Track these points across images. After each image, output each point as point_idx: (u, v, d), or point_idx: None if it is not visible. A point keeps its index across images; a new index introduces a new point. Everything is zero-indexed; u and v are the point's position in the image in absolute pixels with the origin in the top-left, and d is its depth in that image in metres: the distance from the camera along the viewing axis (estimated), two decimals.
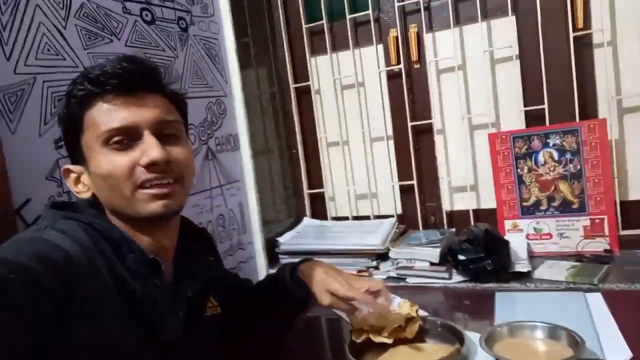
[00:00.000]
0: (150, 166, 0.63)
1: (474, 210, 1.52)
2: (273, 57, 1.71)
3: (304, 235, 1.56)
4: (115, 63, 0.64)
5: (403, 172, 1.61)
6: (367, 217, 1.66)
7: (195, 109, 1.28)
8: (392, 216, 1.60)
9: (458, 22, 1.49)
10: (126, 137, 0.64)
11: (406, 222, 1.60)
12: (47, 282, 0.51)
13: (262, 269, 1.49)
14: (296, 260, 0.91)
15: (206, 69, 1.35)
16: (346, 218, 1.69)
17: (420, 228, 1.57)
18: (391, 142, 1.62)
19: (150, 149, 0.63)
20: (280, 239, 1.52)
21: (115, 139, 0.63)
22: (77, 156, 0.67)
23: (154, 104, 0.66)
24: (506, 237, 1.30)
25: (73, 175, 0.69)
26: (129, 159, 0.63)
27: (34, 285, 0.49)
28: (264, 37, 1.69)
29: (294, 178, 1.74)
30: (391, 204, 1.64)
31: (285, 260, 1.48)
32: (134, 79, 0.65)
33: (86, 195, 0.68)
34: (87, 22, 0.99)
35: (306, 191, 1.73)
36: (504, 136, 1.41)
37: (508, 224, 1.42)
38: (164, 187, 0.64)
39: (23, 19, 0.86)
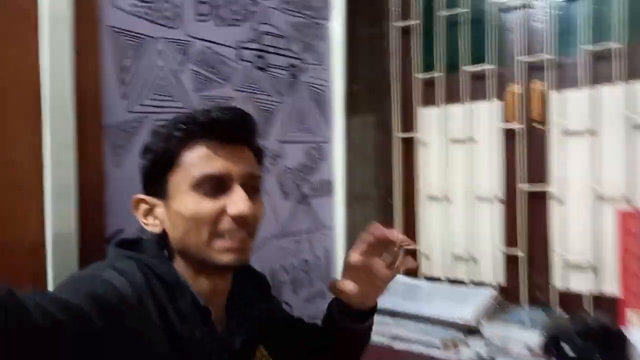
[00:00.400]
0: (237, 218, 0.64)
1: (592, 294, 1.30)
2: (382, 105, 1.69)
3: (390, 292, 1.46)
4: (222, 112, 0.66)
5: (510, 238, 1.45)
6: (463, 282, 1.52)
7: (293, 153, 1.30)
8: (492, 286, 1.44)
9: (593, 81, 1.33)
10: (217, 185, 0.65)
11: (507, 295, 1.43)
12: (96, 321, 0.52)
13: None
14: (376, 318, 0.86)
15: (310, 115, 1.37)
16: (440, 279, 1.56)
17: (523, 304, 1.39)
18: (499, 205, 1.47)
19: (240, 201, 0.64)
20: None
21: (207, 184, 0.64)
22: (159, 190, 0.67)
23: (246, 157, 0.68)
24: (628, 333, 1.08)
25: (145, 207, 0.69)
26: (217, 206, 0.64)
27: (81, 325, 0.50)
28: (375, 84, 1.69)
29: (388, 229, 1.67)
30: (492, 271, 1.48)
31: None
32: (237, 130, 0.67)
33: (156, 229, 0.68)
34: (202, 67, 1.07)
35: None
36: (638, 215, 1.20)
37: (633, 317, 1.19)
38: (239, 241, 0.65)
39: (143, 63, 0.96)
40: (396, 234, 0.76)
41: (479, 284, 1.48)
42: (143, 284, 0.62)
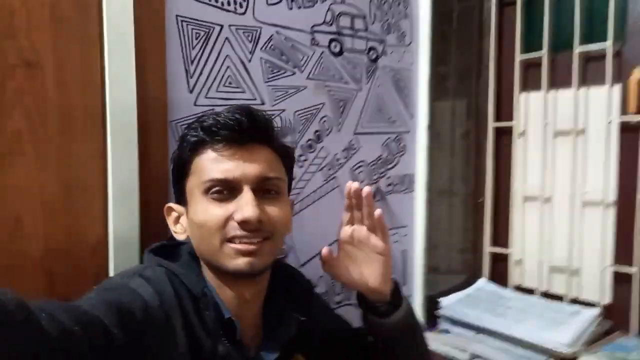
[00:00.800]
0: (242, 223, 0.62)
1: None
2: (473, 90, 1.51)
3: (474, 301, 1.33)
4: (230, 114, 0.64)
5: (623, 253, 1.23)
6: (560, 298, 1.33)
7: (370, 146, 1.20)
8: (596, 306, 1.24)
9: None
10: (226, 189, 0.63)
11: (615, 319, 1.22)
12: (116, 334, 0.51)
13: None
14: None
15: (390, 103, 1.25)
16: (533, 291, 1.38)
17: (633, 332, 1.18)
18: (611, 212, 1.25)
19: (245, 206, 0.62)
20: (444, 300, 1.33)
21: (215, 189, 0.63)
22: (181, 197, 0.68)
23: (259, 158, 0.65)
24: None
25: (174, 214, 0.70)
26: (224, 211, 0.62)
27: (97, 337, 0.49)
28: (467, 66, 1.51)
29: (475, 230, 1.51)
30: (598, 289, 1.27)
31: (445, 326, 1.29)
32: (245, 131, 0.64)
33: (182, 237, 0.69)
34: (273, 55, 0.99)
35: (487, 248, 1.48)
36: None
37: None
38: (251, 245, 0.63)
39: (211, 53, 0.90)
40: (365, 189, 0.76)
41: (579, 302, 1.28)
42: (171, 294, 0.61)
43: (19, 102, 0.68)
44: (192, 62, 0.88)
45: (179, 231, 0.69)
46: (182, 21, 0.86)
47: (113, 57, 0.76)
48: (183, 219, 0.68)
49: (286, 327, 0.70)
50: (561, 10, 1.34)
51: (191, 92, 0.88)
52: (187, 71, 0.87)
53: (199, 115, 0.69)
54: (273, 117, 0.99)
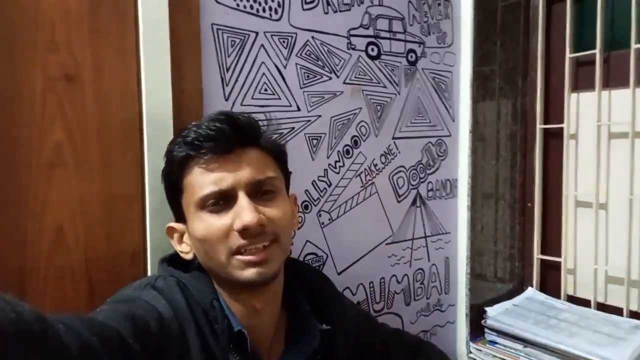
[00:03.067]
0: (243, 230, 0.60)
1: None
2: (521, 90, 1.44)
3: (522, 312, 1.26)
4: (211, 123, 0.63)
5: None
6: (618, 311, 1.24)
7: (409, 151, 1.16)
8: None
9: None
10: (221, 200, 0.62)
11: None
12: (132, 345, 0.51)
13: (461, 339, 1.28)
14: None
15: (430, 106, 1.21)
16: (588, 303, 1.30)
17: None
18: None
19: (242, 213, 0.60)
20: (490, 310, 1.27)
21: (210, 202, 0.62)
22: (179, 215, 0.67)
23: (249, 162, 0.63)
24: None
25: (177, 235, 0.68)
26: (224, 222, 0.61)
27: (115, 349, 0.49)
28: (512, 66, 1.44)
29: (523, 237, 1.44)
30: None
31: (491, 337, 1.23)
32: (229, 139, 0.62)
33: (188, 256, 0.67)
34: (308, 60, 0.98)
35: (536, 256, 1.40)
36: None
37: None
38: (258, 253, 0.62)
39: (246, 60, 0.90)
40: None
41: (639, 316, 1.19)
42: (184, 305, 0.60)
43: (59, 114, 0.69)
44: (228, 70, 0.88)
45: (185, 250, 0.68)
46: (217, 29, 0.86)
47: (149, 68, 0.76)
48: (186, 237, 0.67)
49: (309, 338, 0.68)
50: (615, 6, 1.26)
51: (227, 100, 0.88)
52: (222, 79, 0.87)
53: (181, 129, 0.67)
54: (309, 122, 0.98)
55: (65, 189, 0.70)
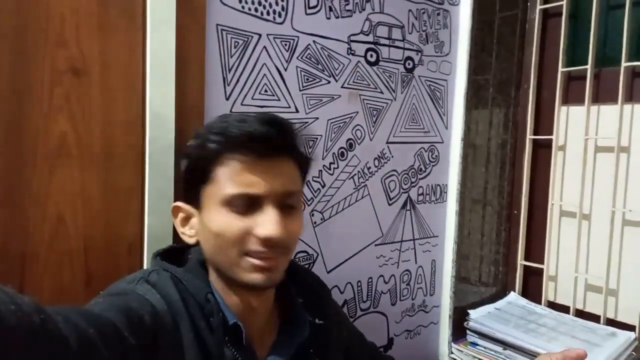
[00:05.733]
0: (265, 240, 0.61)
1: None
2: (513, 101, 1.48)
3: (503, 315, 1.30)
4: (258, 124, 0.61)
5: None
6: (596, 318, 1.28)
7: (402, 155, 1.20)
8: (633, 329, 1.19)
9: None
10: (249, 203, 0.61)
11: None
12: (129, 337, 0.52)
13: (444, 339, 1.32)
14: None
15: (425, 113, 1.24)
16: (567, 309, 1.34)
17: None
18: None
19: (269, 224, 0.60)
20: (473, 312, 1.31)
21: (237, 202, 0.61)
22: (194, 200, 0.65)
23: (284, 172, 0.63)
24: None
25: (182, 215, 0.67)
26: (244, 225, 0.61)
27: (113, 341, 0.49)
28: (506, 77, 1.48)
29: (508, 243, 1.48)
30: (635, 312, 1.22)
31: (473, 339, 1.27)
32: (274, 144, 0.62)
33: (191, 240, 0.67)
34: (308, 64, 1.01)
35: (520, 261, 1.45)
36: None
37: None
38: (268, 260, 0.62)
39: (248, 61, 0.92)
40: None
41: (615, 323, 1.24)
42: (177, 299, 0.61)
43: (65, 107, 0.71)
44: (230, 70, 0.90)
45: (188, 234, 0.67)
46: (222, 30, 0.88)
47: (154, 65, 0.79)
48: (194, 222, 0.66)
49: (299, 329, 0.70)
50: (608, 24, 1.30)
51: (227, 99, 0.90)
52: (224, 79, 0.89)
53: (221, 116, 0.66)
54: (306, 124, 1.01)
55: (67, 179, 0.72)
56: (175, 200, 0.81)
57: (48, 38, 0.69)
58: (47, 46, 0.69)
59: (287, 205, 0.64)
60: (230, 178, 0.61)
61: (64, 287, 0.73)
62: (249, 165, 0.61)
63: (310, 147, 1.01)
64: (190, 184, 0.65)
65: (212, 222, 0.62)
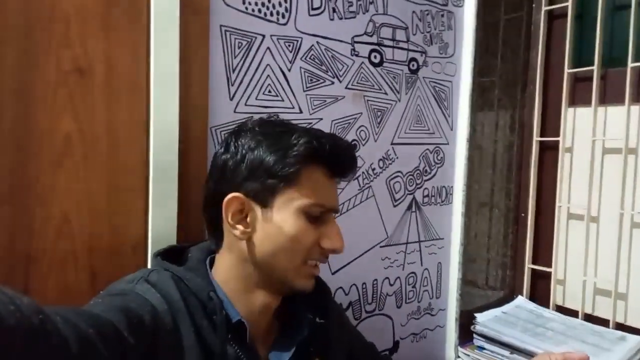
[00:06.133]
0: (331, 251, 0.67)
1: None
2: (519, 102, 1.47)
3: (511, 319, 1.29)
4: (347, 148, 0.69)
5: None
6: (605, 322, 1.26)
7: (407, 157, 1.19)
8: None
9: None
10: (319, 215, 0.66)
11: None
12: (129, 337, 0.52)
13: (450, 343, 1.30)
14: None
15: (430, 114, 1.23)
16: (576, 313, 1.32)
17: None
18: None
19: (336, 237, 0.67)
20: (480, 316, 1.29)
21: (315, 212, 0.65)
22: (262, 196, 0.64)
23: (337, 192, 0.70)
24: None
25: (238, 208, 0.65)
26: (316, 235, 0.66)
27: (112, 341, 0.50)
28: (512, 78, 1.47)
29: (515, 246, 1.47)
30: None
31: (480, 342, 1.26)
32: (350, 166, 0.69)
33: (242, 236, 0.65)
34: (312, 65, 1.01)
35: (528, 265, 1.43)
36: None
37: None
38: (318, 270, 0.69)
39: (252, 62, 0.93)
40: None
41: (625, 328, 1.22)
42: (178, 298, 0.61)
43: (70, 107, 0.72)
44: (234, 70, 0.90)
45: (239, 228, 0.65)
46: (225, 31, 0.89)
47: (158, 65, 0.79)
48: (254, 218, 0.64)
49: (299, 327, 0.70)
50: (614, 24, 1.29)
51: (231, 99, 0.90)
52: (228, 79, 0.90)
53: (311, 127, 0.73)
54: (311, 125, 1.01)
55: (72, 179, 0.73)
56: (179, 199, 0.82)
57: (53, 38, 0.70)
58: (52, 46, 0.70)
59: None
60: (315, 187, 0.65)
61: (69, 287, 0.73)
62: (329, 179, 0.67)
63: None
64: (261, 179, 0.63)
65: (289, 225, 0.64)
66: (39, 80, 0.69)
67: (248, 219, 0.65)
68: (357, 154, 1.07)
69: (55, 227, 0.72)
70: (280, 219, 0.63)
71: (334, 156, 0.66)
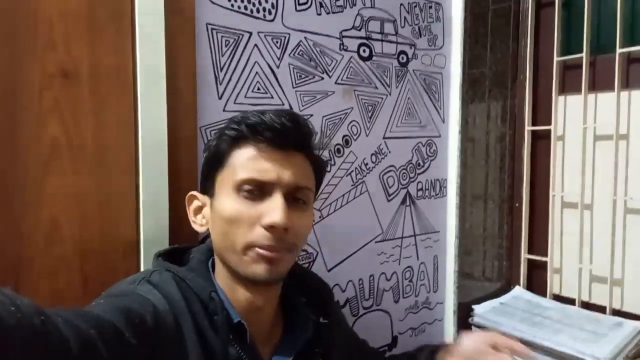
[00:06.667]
0: (269, 228, 0.61)
1: None
2: (510, 92, 1.47)
3: (509, 310, 1.29)
4: (276, 117, 0.63)
5: None
6: (601, 309, 1.27)
7: (400, 150, 1.19)
8: (639, 318, 1.18)
9: None
10: (258, 190, 0.63)
11: None
12: (130, 338, 0.51)
13: (449, 336, 1.30)
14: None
15: (421, 107, 1.23)
16: (573, 301, 1.33)
17: None
18: None
19: (274, 210, 0.61)
20: (477, 308, 1.29)
21: (248, 187, 0.63)
22: (208, 188, 0.67)
23: (296, 165, 0.65)
24: None
25: (197, 203, 0.69)
26: (253, 212, 0.62)
27: (113, 342, 0.49)
28: (502, 68, 1.47)
29: (511, 237, 1.47)
30: None
31: None
32: (288, 136, 0.64)
33: (201, 229, 0.68)
34: (301, 60, 1.00)
35: (524, 255, 1.43)
36: None
37: None
38: (274, 252, 0.62)
39: (240, 59, 0.92)
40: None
41: (622, 314, 1.22)
42: (179, 298, 0.60)
43: (56, 110, 0.71)
44: (222, 69, 0.89)
45: (199, 222, 0.69)
46: (212, 29, 0.88)
47: (145, 65, 0.78)
48: (206, 211, 0.68)
49: (302, 329, 0.70)
50: (601, 11, 1.29)
51: (220, 98, 0.90)
52: (216, 78, 0.89)
53: (243, 112, 0.68)
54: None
55: (61, 183, 0.72)
56: (170, 201, 0.81)
57: (37, 41, 0.69)
58: (36, 49, 0.69)
59: (296, 199, 0.65)
60: (243, 163, 0.63)
61: (60, 292, 0.72)
62: (263, 152, 0.63)
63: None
64: (207, 171, 0.67)
65: (223, 206, 0.63)
66: (24, 84, 0.68)
67: (204, 213, 0.68)
68: (348, 148, 1.08)
69: (44, 232, 0.71)
70: (219, 203, 0.64)
71: (263, 128, 0.62)
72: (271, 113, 0.64)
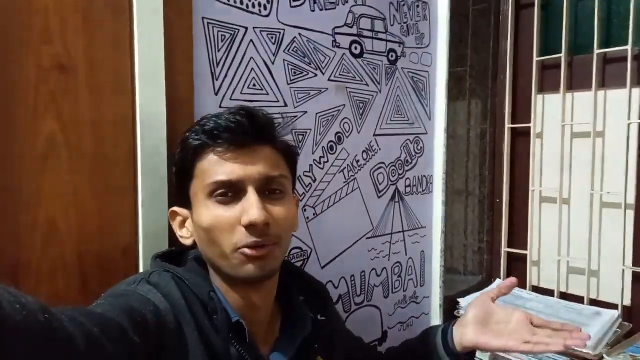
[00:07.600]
0: (250, 227, 0.61)
1: None
2: (491, 91, 1.51)
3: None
4: (230, 116, 0.64)
5: None
6: (580, 299, 1.33)
7: (389, 148, 1.20)
8: (616, 307, 1.24)
9: None
10: (230, 191, 0.62)
11: (635, 321, 1.22)
12: (134, 336, 0.51)
13: None
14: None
15: (409, 105, 1.25)
16: (551, 292, 1.38)
17: None
18: (630, 214, 1.25)
19: (250, 208, 0.61)
20: (462, 301, 1.33)
21: (219, 191, 0.62)
22: (185, 201, 0.67)
23: (262, 158, 0.64)
24: None
25: (179, 219, 0.69)
26: (230, 215, 0.62)
27: (118, 340, 0.49)
28: (483, 68, 1.51)
29: (492, 231, 1.51)
30: (617, 291, 1.27)
31: None
32: (246, 133, 0.64)
33: (188, 242, 0.68)
34: (295, 57, 1.00)
35: (504, 249, 1.48)
36: None
37: None
38: (260, 249, 0.62)
39: (236, 55, 0.91)
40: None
41: (599, 304, 1.28)
42: (180, 298, 0.61)
43: (53, 105, 0.68)
44: (218, 64, 0.88)
45: (185, 236, 0.69)
46: (208, 23, 0.86)
47: (143, 60, 0.76)
48: (189, 223, 0.68)
49: (301, 325, 0.70)
50: (579, 14, 1.35)
51: (217, 94, 0.88)
52: (213, 74, 0.88)
53: (201, 118, 0.68)
54: (295, 119, 1.00)
55: (58, 182, 0.69)
56: (169, 201, 0.79)
57: (32, 34, 0.66)
58: (30, 43, 0.66)
59: (272, 190, 0.65)
60: (209, 169, 0.63)
61: (59, 294, 0.69)
62: (226, 155, 0.63)
63: (293, 134, 0.99)
64: (180, 185, 0.68)
65: (201, 218, 0.63)
66: (19, 78, 0.65)
67: (187, 225, 0.68)
68: (341, 146, 1.09)
69: (42, 233, 0.68)
70: (197, 215, 0.64)
71: (220, 132, 0.62)
72: (226, 114, 0.64)
